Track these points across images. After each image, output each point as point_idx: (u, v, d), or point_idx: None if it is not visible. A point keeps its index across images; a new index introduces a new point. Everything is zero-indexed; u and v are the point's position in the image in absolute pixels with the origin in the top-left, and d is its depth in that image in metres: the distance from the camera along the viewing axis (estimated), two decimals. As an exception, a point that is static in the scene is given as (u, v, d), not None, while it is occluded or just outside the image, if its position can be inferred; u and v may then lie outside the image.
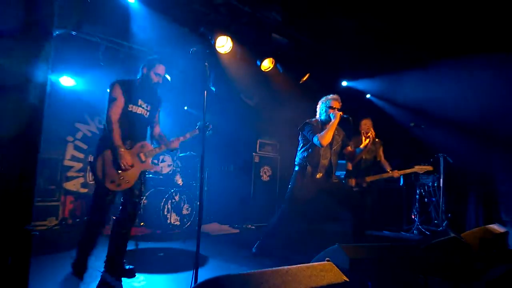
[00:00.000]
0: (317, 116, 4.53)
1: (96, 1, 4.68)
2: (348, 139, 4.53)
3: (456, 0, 4.70)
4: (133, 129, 3.41)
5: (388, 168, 5.52)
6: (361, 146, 4.44)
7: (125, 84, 3.40)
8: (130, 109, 3.37)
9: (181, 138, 3.68)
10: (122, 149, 3.24)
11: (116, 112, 3.29)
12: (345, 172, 5.81)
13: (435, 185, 6.74)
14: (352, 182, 5.32)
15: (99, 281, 3.21)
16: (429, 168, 5.52)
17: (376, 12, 5.14)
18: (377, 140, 5.54)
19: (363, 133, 5.42)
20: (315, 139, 4.20)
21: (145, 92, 3.49)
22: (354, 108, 5.17)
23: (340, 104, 4.42)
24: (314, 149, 4.35)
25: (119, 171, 3.24)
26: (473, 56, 5.57)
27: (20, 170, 1.68)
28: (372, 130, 4.62)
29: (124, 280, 3.31)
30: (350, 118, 4.20)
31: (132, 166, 3.31)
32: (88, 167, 6.81)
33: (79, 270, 3.32)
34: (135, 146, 3.42)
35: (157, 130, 3.74)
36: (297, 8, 5.31)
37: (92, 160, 3.34)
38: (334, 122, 4.19)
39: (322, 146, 4.22)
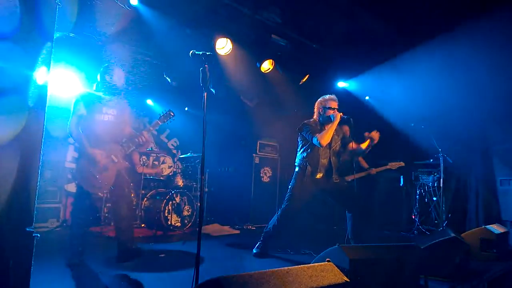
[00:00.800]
0: (315, 116, 4.52)
1: (96, 2, 4.69)
2: (350, 138, 4.51)
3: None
4: (100, 136, 3.67)
5: (366, 165, 5.72)
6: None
7: (87, 96, 3.73)
8: (96, 118, 3.66)
9: (144, 132, 3.87)
10: (94, 150, 3.56)
11: (75, 124, 3.60)
12: None
13: (435, 185, 6.75)
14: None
15: None
16: (401, 164, 5.68)
17: (376, 13, 5.14)
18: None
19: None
20: (314, 140, 4.20)
21: (107, 99, 3.76)
22: (353, 109, 5.18)
23: (337, 103, 4.42)
24: (313, 149, 4.36)
25: (96, 175, 3.55)
26: (474, 58, 5.58)
27: (22, 172, 1.69)
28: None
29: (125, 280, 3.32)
30: (351, 118, 4.20)
31: (104, 168, 3.61)
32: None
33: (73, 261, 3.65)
34: (104, 149, 3.66)
35: (127, 130, 3.96)
36: (297, 10, 5.32)
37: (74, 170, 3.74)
38: (335, 122, 4.18)
39: (321, 146, 4.23)
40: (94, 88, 3.89)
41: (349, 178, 5.30)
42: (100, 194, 3.80)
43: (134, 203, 6.06)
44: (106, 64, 3.88)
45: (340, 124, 4.28)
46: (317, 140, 4.17)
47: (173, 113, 3.99)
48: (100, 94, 3.77)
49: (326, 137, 4.16)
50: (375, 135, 4.34)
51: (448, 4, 4.80)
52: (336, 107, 4.38)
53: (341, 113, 4.23)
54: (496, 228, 4.66)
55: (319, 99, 4.54)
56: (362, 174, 5.55)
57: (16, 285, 1.62)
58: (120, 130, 3.88)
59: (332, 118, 4.23)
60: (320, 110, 4.45)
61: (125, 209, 3.76)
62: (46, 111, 1.78)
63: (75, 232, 3.74)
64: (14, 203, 1.64)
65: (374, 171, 5.62)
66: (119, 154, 3.74)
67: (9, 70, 1.71)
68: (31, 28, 1.78)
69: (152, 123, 3.98)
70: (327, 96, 4.48)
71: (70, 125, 3.61)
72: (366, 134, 4.39)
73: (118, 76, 3.82)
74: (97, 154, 3.59)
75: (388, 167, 5.66)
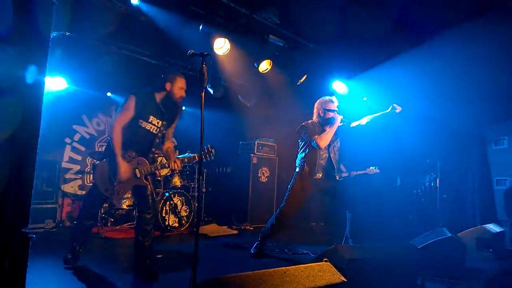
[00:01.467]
0: (314, 117, 4.52)
1: (93, 2, 4.67)
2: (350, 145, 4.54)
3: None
4: (137, 143, 3.46)
5: (344, 169, 5.94)
6: None
7: (143, 97, 3.44)
8: (139, 123, 3.41)
9: (178, 162, 3.60)
10: (120, 159, 3.32)
11: (121, 121, 3.35)
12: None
13: (431, 185, 6.76)
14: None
15: None
16: (377, 171, 6.00)
17: (374, 13, 5.15)
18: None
19: None
20: (313, 142, 4.21)
21: (162, 109, 3.51)
22: (351, 110, 5.19)
23: (337, 105, 4.43)
24: (311, 150, 4.36)
25: (113, 181, 3.38)
26: (468, 53, 5.58)
27: (18, 173, 1.68)
28: None
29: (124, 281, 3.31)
30: (350, 123, 4.22)
31: (125, 180, 3.40)
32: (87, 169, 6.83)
33: (72, 259, 3.60)
34: (133, 160, 3.45)
35: (166, 145, 3.73)
36: (295, 10, 5.31)
37: (97, 162, 3.52)
38: (335, 126, 4.20)
39: (320, 148, 4.24)
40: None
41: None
42: (110, 198, 3.53)
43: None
44: (172, 72, 3.64)
45: (339, 127, 4.30)
46: (316, 142, 4.17)
47: (214, 151, 3.69)
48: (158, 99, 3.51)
49: (325, 139, 4.17)
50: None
51: (445, 4, 4.81)
52: (336, 109, 4.39)
53: (341, 116, 4.24)
54: (492, 228, 4.68)
55: (318, 100, 4.53)
56: (343, 175, 5.87)
57: (11, 286, 1.61)
58: (161, 143, 3.68)
59: (332, 121, 4.24)
60: (320, 111, 4.44)
61: (142, 228, 3.48)
62: (42, 111, 1.77)
63: (78, 230, 3.66)
64: (9, 203, 1.63)
65: (354, 173, 5.95)
66: (144, 171, 3.48)
67: (4, 70, 1.70)
68: (27, 27, 1.77)
69: (190, 156, 3.78)
70: (327, 98, 4.48)
71: (114, 121, 3.36)
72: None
73: (183, 85, 3.56)
74: (122, 166, 3.35)
75: (366, 171, 6.02)
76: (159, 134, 3.58)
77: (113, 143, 3.32)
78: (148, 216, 3.48)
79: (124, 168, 3.36)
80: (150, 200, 3.52)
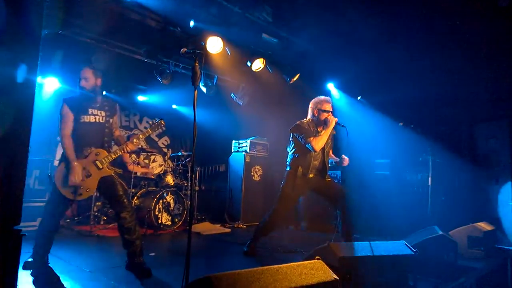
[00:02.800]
0: (309, 117, 4.50)
1: (85, 0, 4.65)
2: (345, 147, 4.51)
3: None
4: (88, 137, 3.53)
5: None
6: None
7: (72, 100, 3.58)
8: (82, 119, 3.51)
9: (135, 140, 3.72)
10: (75, 163, 3.39)
11: (67, 127, 3.47)
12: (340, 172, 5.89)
13: (423, 183, 6.80)
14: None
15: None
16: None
17: (367, 13, 5.17)
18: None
19: None
20: (308, 146, 4.20)
21: (92, 101, 3.62)
22: (344, 109, 5.21)
23: (332, 106, 4.44)
24: (305, 151, 4.33)
25: (77, 182, 3.38)
26: (463, 52, 5.63)
27: (9, 171, 1.67)
28: None
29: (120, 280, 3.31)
30: (345, 127, 4.20)
31: (88, 176, 3.46)
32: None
33: (39, 270, 3.36)
34: (90, 154, 3.52)
35: (116, 133, 3.83)
36: (288, 9, 5.32)
37: (50, 173, 3.50)
38: (329, 128, 4.20)
39: (315, 151, 4.24)
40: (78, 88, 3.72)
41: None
42: (78, 199, 3.48)
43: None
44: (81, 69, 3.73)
45: (334, 129, 4.31)
46: (311, 145, 4.16)
47: (163, 122, 3.87)
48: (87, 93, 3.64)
49: (320, 142, 4.17)
50: (346, 161, 4.43)
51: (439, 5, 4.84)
52: (331, 109, 4.39)
53: (336, 119, 4.24)
54: (484, 226, 4.73)
55: (314, 100, 4.51)
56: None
57: (3, 284, 1.60)
58: (108, 133, 3.73)
59: (327, 123, 4.25)
60: (315, 111, 4.42)
61: (127, 219, 3.49)
62: (33, 110, 1.76)
63: (41, 241, 3.45)
64: (1, 201, 1.62)
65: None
66: (104, 160, 3.54)
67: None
68: (17, 25, 1.76)
69: (142, 132, 3.84)
70: (322, 98, 4.47)
71: (61, 133, 3.48)
72: (343, 156, 4.45)
73: (86, 75, 3.64)
74: (75, 168, 3.40)
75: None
76: (106, 124, 3.67)
77: (66, 152, 3.42)
78: (125, 214, 3.50)
79: (79, 170, 3.41)
80: (121, 193, 3.55)
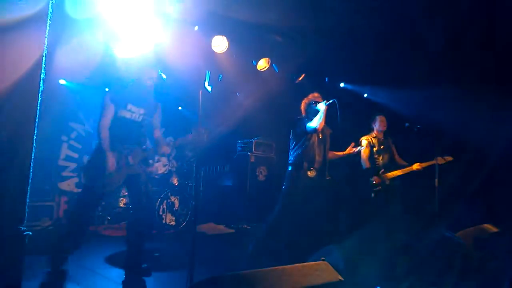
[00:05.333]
0: (303, 115, 4.62)
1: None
2: (338, 125, 4.51)
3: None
4: (124, 134, 3.41)
5: (405, 163, 5.43)
6: (345, 153, 4.63)
7: (115, 91, 3.45)
8: (120, 114, 3.39)
9: (165, 147, 3.64)
10: (110, 153, 3.28)
11: (106, 119, 3.34)
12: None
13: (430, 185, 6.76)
14: (375, 180, 5.22)
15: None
16: (450, 158, 5.37)
17: (372, 13, 5.15)
18: (388, 138, 5.54)
19: (377, 131, 5.43)
20: (309, 127, 4.26)
21: (136, 97, 3.49)
22: (351, 107, 5.19)
23: (320, 95, 4.55)
24: (308, 145, 4.38)
25: (105, 174, 3.26)
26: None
27: (14, 170, 1.67)
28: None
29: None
30: (335, 100, 4.21)
31: (117, 170, 3.32)
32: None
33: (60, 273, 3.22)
34: (125, 149, 3.41)
35: (156, 133, 3.73)
36: (294, 8, 5.30)
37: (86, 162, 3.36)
38: (323, 109, 4.22)
39: (316, 131, 4.28)
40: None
41: (391, 175, 5.24)
42: (106, 190, 3.38)
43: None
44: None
45: (329, 127, 4.36)
46: (310, 125, 4.23)
47: (207, 131, 3.67)
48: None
49: (319, 121, 4.19)
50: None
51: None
52: (320, 99, 4.46)
53: (324, 101, 4.28)
54: (490, 227, 4.68)
55: (303, 100, 4.65)
56: (405, 170, 5.29)
57: (7, 283, 1.60)
58: (145, 132, 3.61)
59: (318, 109, 4.30)
60: (307, 108, 4.56)
61: (139, 220, 3.43)
62: (39, 107, 1.76)
63: (72, 230, 3.36)
64: (5, 201, 1.62)
65: (418, 166, 5.28)
66: (137, 157, 3.45)
67: (1, 67, 1.69)
68: (25, 23, 1.76)
69: (178, 139, 3.77)
70: (310, 95, 4.61)
71: (99, 124, 3.34)
72: (353, 144, 4.46)
73: (152, 75, 3.56)
74: (110, 158, 3.29)
75: (435, 161, 5.30)
76: (143, 123, 3.56)
77: (102, 142, 3.30)
78: (141, 215, 3.43)
79: (113, 160, 3.30)
80: (144, 193, 3.47)
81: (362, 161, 5.33)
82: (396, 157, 5.52)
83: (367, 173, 5.28)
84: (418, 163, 5.28)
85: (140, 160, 3.47)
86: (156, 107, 3.68)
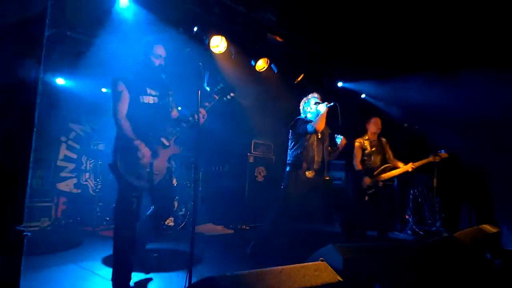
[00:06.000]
0: (302, 115, 4.65)
1: (90, 1, 4.65)
2: (339, 126, 4.53)
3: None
4: (147, 120, 3.11)
5: (401, 164, 5.41)
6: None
7: (127, 77, 3.16)
8: (141, 100, 3.12)
9: (201, 110, 3.26)
10: (137, 141, 2.98)
11: (123, 108, 3.05)
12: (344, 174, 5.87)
13: (428, 185, 6.78)
14: (367, 181, 5.25)
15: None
16: (445, 155, 5.37)
17: (371, 13, 5.16)
18: (382, 139, 5.56)
19: (370, 133, 5.44)
20: (309, 126, 4.26)
21: (150, 79, 3.23)
22: (349, 108, 5.19)
23: (320, 97, 4.57)
24: (307, 145, 4.41)
25: (146, 166, 2.97)
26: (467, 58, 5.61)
27: (13, 170, 1.66)
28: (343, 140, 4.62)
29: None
30: (337, 103, 4.23)
31: (156, 153, 3.06)
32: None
33: None
34: (152, 134, 3.13)
35: (174, 113, 3.47)
36: (292, 8, 5.31)
37: (111, 162, 3.01)
38: (323, 110, 4.22)
39: (317, 132, 4.29)
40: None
41: (385, 177, 5.25)
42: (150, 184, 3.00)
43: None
44: (146, 40, 3.33)
45: (328, 111, 4.34)
46: (312, 126, 4.22)
47: (233, 93, 3.51)
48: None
49: (320, 123, 4.20)
50: (343, 142, 4.49)
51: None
52: (320, 100, 4.49)
53: (325, 103, 4.29)
54: (489, 228, 4.69)
55: (302, 100, 4.68)
56: (399, 171, 5.31)
57: (5, 285, 1.60)
58: (167, 114, 3.36)
59: (319, 111, 4.31)
60: (306, 108, 4.59)
61: (165, 210, 3.26)
62: (37, 107, 1.75)
63: (125, 247, 2.99)
64: (4, 201, 1.61)
65: (412, 166, 5.28)
66: (170, 136, 3.18)
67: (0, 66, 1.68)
68: (22, 24, 1.76)
69: (208, 100, 3.43)
70: (310, 95, 4.62)
71: (117, 113, 3.04)
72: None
73: (160, 52, 3.27)
74: (141, 145, 2.98)
75: (430, 159, 5.37)
76: (163, 106, 3.31)
77: (126, 132, 3.00)
78: (164, 218, 3.28)
79: (144, 147, 3.00)
80: (171, 183, 3.23)
81: (354, 163, 5.37)
82: (391, 158, 5.54)
83: (359, 175, 5.32)
84: (411, 163, 5.32)
85: (173, 140, 3.22)
86: (169, 87, 3.41)
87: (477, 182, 6.33)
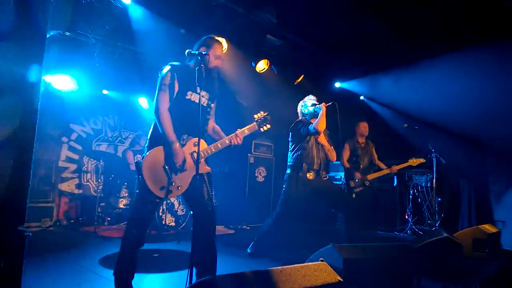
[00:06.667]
0: (300, 117, 4.70)
1: (91, 2, 4.66)
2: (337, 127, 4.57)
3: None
4: (190, 122, 2.79)
5: (384, 166, 5.65)
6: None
7: (180, 68, 2.89)
8: (188, 97, 2.84)
9: (239, 133, 3.08)
10: (177, 145, 2.71)
11: (166, 100, 2.76)
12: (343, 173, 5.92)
13: (428, 186, 6.79)
14: (352, 183, 5.36)
15: None
16: (422, 160, 5.63)
17: (369, 14, 5.16)
18: (369, 142, 5.69)
19: (359, 136, 5.57)
20: (311, 128, 4.29)
21: (203, 78, 2.85)
22: (348, 109, 5.21)
23: (316, 99, 4.65)
24: (307, 147, 4.44)
25: (171, 174, 2.71)
26: (467, 55, 5.61)
27: (14, 171, 1.67)
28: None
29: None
30: (335, 103, 4.27)
31: (183, 166, 2.77)
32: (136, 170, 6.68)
33: None
34: (189, 142, 2.85)
35: (211, 124, 3.16)
36: (292, 10, 5.32)
37: (140, 159, 2.74)
38: (322, 111, 4.26)
39: (318, 133, 4.32)
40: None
41: (371, 177, 5.39)
42: (167, 196, 2.74)
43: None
44: (207, 36, 3.01)
45: (327, 110, 4.37)
46: (313, 127, 4.25)
47: (269, 117, 3.22)
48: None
49: (321, 123, 4.23)
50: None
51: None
52: (316, 102, 4.57)
53: (324, 103, 4.33)
54: (488, 228, 4.70)
55: (299, 103, 4.75)
56: (383, 172, 5.52)
57: (7, 285, 1.61)
58: (207, 121, 3.05)
59: (318, 110, 4.34)
60: (304, 110, 4.64)
61: (210, 223, 2.85)
62: (39, 109, 1.77)
63: (127, 254, 2.78)
64: (5, 202, 1.62)
65: (395, 168, 5.52)
66: (203, 153, 2.88)
67: (1, 68, 1.70)
68: (24, 25, 1.77)
69: (247, 127, 3.20)
70: (306, 98, 4.70)
71: (158, 102, 2.74)
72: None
73: (220, 52, 2.96)
74: (179, 150, 2.71)
75: (409, 163, 5.59)
76: (208, 109, 3.03)
77: (163, 129, 2.70)
78: (205, 224, 2.81)
79: (182, 154, 2.72)
80: (207, 198, 2.86)
81: (341, 162, 5.48)
82: (376, 160, 5.74)
83: (347, 175, 5.44)
84: (395, 166, 5.55)
85: (206, 156, 2.94)
86: (218, 91, 3.11)
87: (476, 182, 6.32)
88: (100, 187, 6.56)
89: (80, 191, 6.77)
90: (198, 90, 2.82)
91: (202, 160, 2.88)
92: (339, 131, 4.48)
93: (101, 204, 6.17)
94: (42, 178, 5.98)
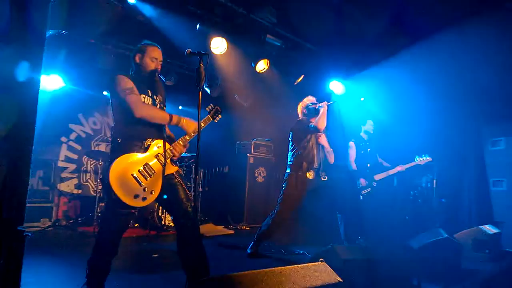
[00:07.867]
0: (301, 117, 4.72)
1: (90, 1, 4.66)
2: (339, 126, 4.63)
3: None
4: (151, 125, 2.80)
5: (388, 165, 5.63)
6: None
7: (128, 75, 2.88)
8: (143, 101, 2.81)
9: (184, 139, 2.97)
10: (177, 117, 2.87)
11: (139, 102, 2.73)
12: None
13: (428, 186, 6.78)
14: (362, 182, 5.36)
15: None
16: (429, 159, 5.53)
17: (371, 13, 5.16)
18: (374, 142, 5.67)
19: (365, 134, 5.57)
20: (311, 126, 4.34)
21: (149, 83, 2.91)
22: (349, 109, 5.23)
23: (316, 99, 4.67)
24: (307, 146, 4.46)
25: (141, 180, 2.64)
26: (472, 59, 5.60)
27: (13, 171, 1.67)
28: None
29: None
30: (336, 101, 4.43)
31: (150, 175, 2.70)
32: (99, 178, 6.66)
33: None
34: (150, 146, 2.78)
35: (166, 127, 3.10)
36: (292, 10, 5.32)
37: (103, 172, 2.72)
38: (324, 108, 4.31)
39: (318, 130, 4.36)
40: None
41: (378, 177, 5.38)
42: (140, 205, 2.66)
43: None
44: (142, 43, 3.02)
45: (328, 109, 4.40)
46: (313, 125, 4.31)
47: (220, 108, 3.17)
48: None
49: (321, 121, 4.28)
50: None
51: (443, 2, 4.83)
52: (316, 102, 4.60)
53: (325, 102, 4.38)
54: (489, 229, 4.69)
55: (299, 104, 4.77)
56: (390, 172, 5.50)
57: (6, 284, 1.60)
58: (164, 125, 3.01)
59: (318, 108, 4.39)
60: (304, 110, 4.65)
61: (195, 236, 2.81)
62: (37, 109, 1.76)
63: (96, 269, 2.82)
64: (4, 202, 1.62)
65: (401, 167, 5.50)
66: (168, 154, 2.82)
67: (0, 68, 1.69)
68: (23, 25, 1.77)
69: (202, 120, 3.08)
70: (305, 98, 4.73)
71: (132, 104, 2.68)
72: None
73: (156, 55, 2.97)
74: (184, 121, 2.80)
75: (416, 162, 5.54)
76: None
77: (155, 118, 2.78)
78: (188, 223, 2.78)
79: (192, 122, 2.82)
80: (183, 197, 2.82)
81: (348, 162, 5.47)
82: (379, 160, 5.74)
83: (354, 175, 5.43)
84: (401, 165, 5.53)
85: (171, 156, 2.87)
86: (166, 94, 3.12)
87: (477, 183, 6.32)
88: (100, 187, 6.54)
89: (80, 191, 6.76)
90: (150, 94, 2.88)
91: (168, 161, 2.84)
92: (339, 130, 4.52)
93: (101, 204, 6.15)
94: (41, 178, 5.97)
